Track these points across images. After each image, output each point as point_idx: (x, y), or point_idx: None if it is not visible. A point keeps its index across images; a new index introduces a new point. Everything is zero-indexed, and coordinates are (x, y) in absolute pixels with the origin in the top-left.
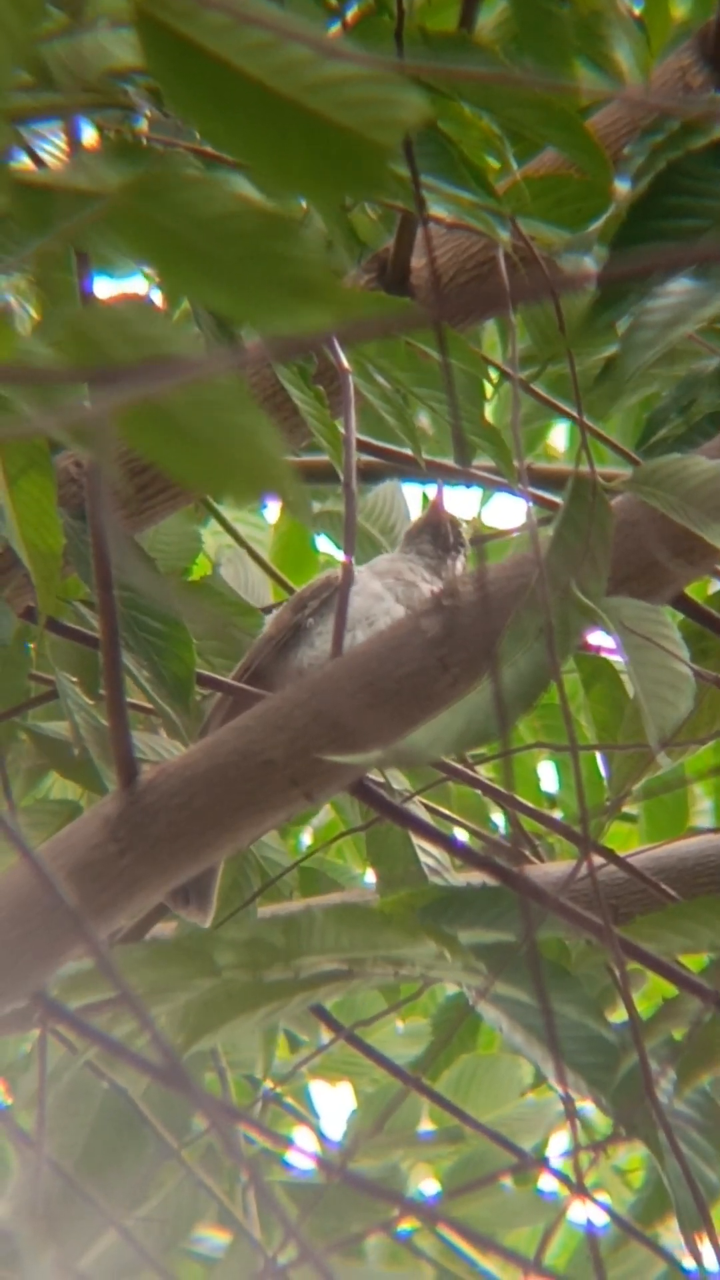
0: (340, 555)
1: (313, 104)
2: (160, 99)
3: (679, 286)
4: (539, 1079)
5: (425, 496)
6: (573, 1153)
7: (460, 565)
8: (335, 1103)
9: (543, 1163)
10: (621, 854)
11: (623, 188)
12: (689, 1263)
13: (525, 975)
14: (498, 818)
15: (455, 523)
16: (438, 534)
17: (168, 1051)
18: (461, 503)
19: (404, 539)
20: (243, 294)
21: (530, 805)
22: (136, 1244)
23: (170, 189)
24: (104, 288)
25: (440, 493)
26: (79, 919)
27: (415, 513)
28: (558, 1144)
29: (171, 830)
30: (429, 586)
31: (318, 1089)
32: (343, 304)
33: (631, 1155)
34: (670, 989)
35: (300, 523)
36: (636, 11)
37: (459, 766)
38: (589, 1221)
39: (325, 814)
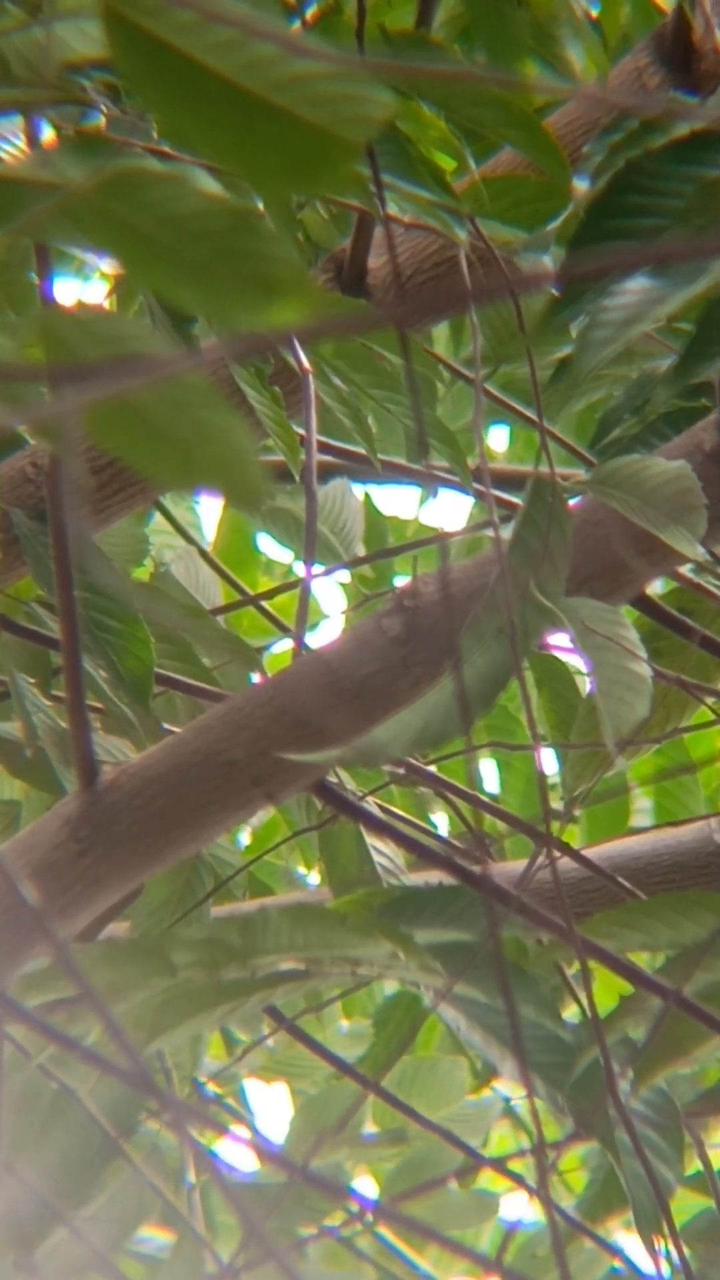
0: (283, 554)
1: (281, 101)
2: (118, 94)
3: (637, 285)
4: (480, 1080)
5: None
6: (535, 1151)
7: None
8: (269, 1102)
9: (493, 1163)
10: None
11: (581, 186)
12: (639, 1261)
13: (482, 974)
14: (439, 818)
15: None
16: None
17: (129, 1049)
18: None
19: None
20: (211, 291)
21: (489, 802)
22: (88, 1243)
23: (138, 185)
24: (61, 289)
25: None
26: (42, 919)
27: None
28: (497, 1142)
29: (134, 830)
30: None
31: (252, 1086)
32: (313, 301)
33: (568, 1156)
34: (624, 987)
35: (248, 519)
36: (594, 14)
37: (418, 764)
38: (553, 1218)
39: (264, 813)
